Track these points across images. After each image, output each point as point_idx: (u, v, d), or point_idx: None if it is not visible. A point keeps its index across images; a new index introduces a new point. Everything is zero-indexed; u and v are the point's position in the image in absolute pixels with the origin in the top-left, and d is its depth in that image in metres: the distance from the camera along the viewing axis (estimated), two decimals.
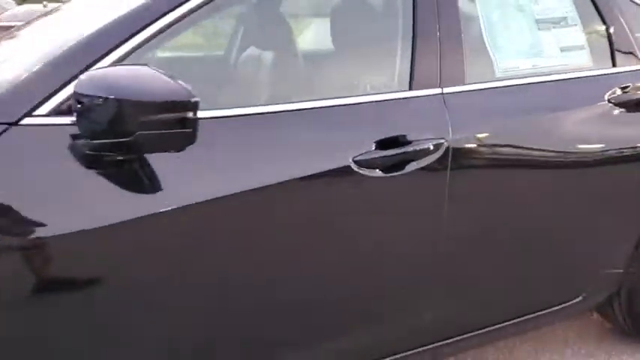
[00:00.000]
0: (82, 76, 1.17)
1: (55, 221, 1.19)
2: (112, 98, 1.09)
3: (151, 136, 1.12)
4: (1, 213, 1.17)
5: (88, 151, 1.19)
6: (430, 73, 1.65)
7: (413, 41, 1.65)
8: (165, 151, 1.18)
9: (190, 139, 1.16)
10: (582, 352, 2.29)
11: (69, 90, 1.24)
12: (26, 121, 1.22)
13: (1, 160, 1.18)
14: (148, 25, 1.31)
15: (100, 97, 1.11)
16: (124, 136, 1.12)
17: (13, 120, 1.21)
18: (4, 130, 1.20)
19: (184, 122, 1.14)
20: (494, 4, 1.88)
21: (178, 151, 1.17)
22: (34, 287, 1.19)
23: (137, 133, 1.11)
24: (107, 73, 1.17)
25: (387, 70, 1.70)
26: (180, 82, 1.14)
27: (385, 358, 1.64)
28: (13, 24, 9.41)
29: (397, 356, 1.67)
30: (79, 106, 1.16)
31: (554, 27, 1.99)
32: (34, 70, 1.27)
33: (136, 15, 1.33)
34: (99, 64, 1.27)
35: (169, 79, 1.14)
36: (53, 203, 1.21)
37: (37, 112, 1.23)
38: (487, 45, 1.82)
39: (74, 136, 1.22)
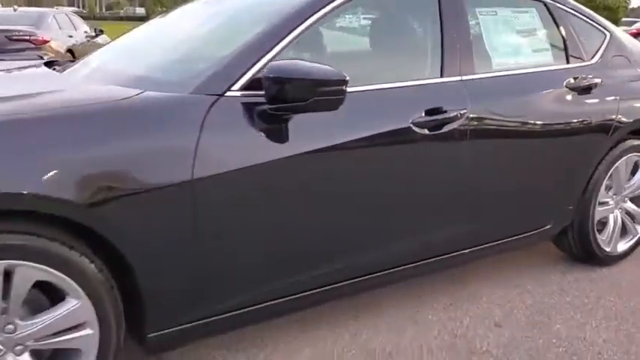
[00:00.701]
0: (271, 65, 1.92)
1: (251, 156, 1.93)
2: (301, 78, 1.85)
3: (321, 101, 1.88)
4: (218, 152, 1.89)
5: (270, 112, 1.93)
6: (454, 66, 2.47)
7: (442, 47, 2.47)
8: (326, 110, 1.93)
9: (341, 102, 1.92)
10: (545, 270, 3.16)
11: (250, 74, 1.99)
12: (228, 93, 1.95)
13: (215, 118, 1.90)
14: (295, 28, 2.08)
15: (288, 78, 1.85)
16: (302, 101, 1.87)
17: (221, 92, 1.94)
18: (217, 100, 1.92)
19: (340, 92, 1.90)
20: (490, 19, 2.72)
21: (334, 110, 1.93)
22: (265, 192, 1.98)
23: (312, 99, 1.87)
24: (291, 63, 1.91)
25: (430, 64, 2.50)
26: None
27: (433, 257, 2.49)
28: None
29: (437, 259, 2.51)
30: (267, 83, 1.90)
31: (528, 35, 2.86)
32: (227, 60, 2.01)
33: (293, 16, 2.11)
34: (266, 57, 2.02)
35: (330, 67, 1.90)
36: (249, 145, 1.94)
37: (233, 88, 1.96)
38: (487, 47, 2.67)
39: (255, 103, 1.96)
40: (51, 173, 1.61)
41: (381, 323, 2.55)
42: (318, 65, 1.92)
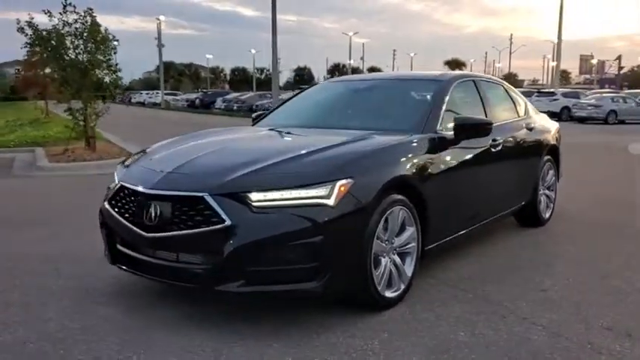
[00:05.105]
0: (457, 117, 4.13)
1: (449, 156, 4.09)
2: (476, 123, 4.11)
3: (481, 132, 4.16)
4: (441, 154, 4.02)
5: (455, 138, 4.12)
6: (491, 118, 4.90)
7: (484, 109, 4.91)
8: (484, 137, 4.21)
9: (490, 132, 4.21)
10: (508, 231, 5.66)
11: (438, 124, 4.17)
12: (437, 132, 4.10)
13: (435, 142, 4.02)
14: (444, 101, 4.34)
15: (469, 123, 4.10)
16: (475, 132, 4.14)
17: (435, 131, 4.09)
18: (434, 135, 4.06)
19: (490, 127, 4.20)
20: (493, 95, 5.26)
21: (486, 136, 4.22)
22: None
23: (482, 130, 4.15)
24: (467, 117, 4.15)
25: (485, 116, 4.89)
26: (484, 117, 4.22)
27: (497, 214, 4.87)
28: None
29: (498, 215, 4.88)
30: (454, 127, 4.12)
31: (505, 103, 5.47)
32: (432, 118, 4.16)
33: (442, 94, 4.37)
34: (440, 115, 4.22)
35: (482, 117, 4.19)
36: (446, 152, 4.08)
37: (437, 130, 4.12)
38: (498, 110, 5.19)
39: (444, 136, 4.13)
40: (401, 168, 3.61)
41: None
42: (479, 117, 4.20)
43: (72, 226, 5.93)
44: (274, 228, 3.07)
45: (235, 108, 38.89)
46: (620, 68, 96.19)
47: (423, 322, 3.37)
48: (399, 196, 3.54)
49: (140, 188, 3.39)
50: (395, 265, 3.60)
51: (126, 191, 3.51)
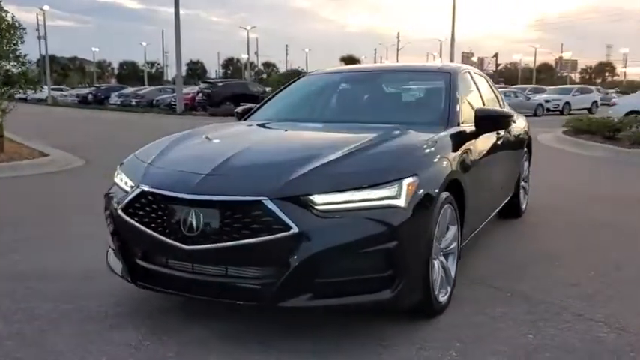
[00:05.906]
0: (478, 108, 3.99)
1: (471, 145, 3.91)
2: (498, 115, 3.98)
3: (504, 124, 4.04)
4: (465, 145, 3.84)
5: (476, 131, 3.96)
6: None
7: (482, 100, 4.81)
8: (505, 129, 4.09)
9: (510, 125, 4.09)
10: (493, 226, 5.65)
11: (460, 117, 4.00)
12: (460, 126, 3.93)
13: (458, 135, 3.83)
14: (457, 93, 4.18)
15: (492, 115, 3.97)
16: (496, 125, 4.02)
17: (458, 125, 3.92)
18: (457, 129, 3.88)
19: (511, 120, 4.07)
20: (484, 87, 5.17)
21: (507, 128, 4.10)
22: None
23: (505, 122, 4.03)
24: (489, 108, 4.01)
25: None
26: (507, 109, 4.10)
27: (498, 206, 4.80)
28: None
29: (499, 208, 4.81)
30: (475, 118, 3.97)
31: (492, 96, 5.41)
32: (452, 112, 3.98)
33: (454, 88, 4.19)
34: (456, 109, 4.05)
35: (505, 109, 4.06)
36: (468, 142, 3.88)
37: (459, 123, 3.94)
38: (488, 100, 5.11)
39: (464, 130, 3.97)
40: (450, 164, 3.39)
41: None
42: (500, 108, 4.08)
43: (21, 237, 5.18)
44: (346, 234, 2.74)
45: (134, 103, 37.02)
46: (497, 65, 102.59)
47: (482, 327, 3.19)
48: (447, 194, 3.31)
49: (175, 194, 2.90)
50: (442, 266, 3.38)
51: (150, 197, 3.01)
